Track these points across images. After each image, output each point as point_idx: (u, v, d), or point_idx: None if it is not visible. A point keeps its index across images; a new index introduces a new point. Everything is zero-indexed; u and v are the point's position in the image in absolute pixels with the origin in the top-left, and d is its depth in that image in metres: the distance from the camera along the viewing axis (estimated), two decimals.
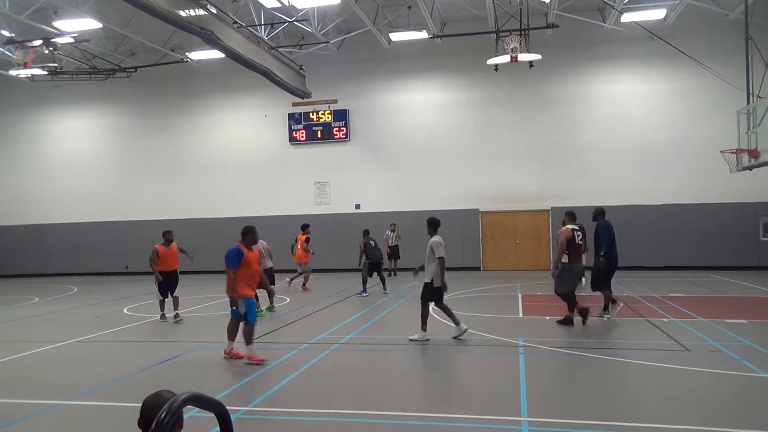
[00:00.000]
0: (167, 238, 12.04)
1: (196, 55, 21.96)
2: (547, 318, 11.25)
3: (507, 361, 8.14)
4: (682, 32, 19.33)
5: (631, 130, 20.92)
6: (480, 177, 21.99)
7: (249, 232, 8.43)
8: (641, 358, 7.88)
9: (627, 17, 18.65)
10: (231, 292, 8.10)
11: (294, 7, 18.06)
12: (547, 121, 21.64)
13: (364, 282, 15.42)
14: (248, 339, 8.10)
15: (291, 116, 23.68)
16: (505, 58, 17.21)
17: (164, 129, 25.10)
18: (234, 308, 8.14)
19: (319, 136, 23.55)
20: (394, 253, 20.21)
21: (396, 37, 20.72)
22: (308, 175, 23.64)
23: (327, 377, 7.56)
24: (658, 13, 18.85)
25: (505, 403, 6.24)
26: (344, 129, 23.27)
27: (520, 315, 11.96)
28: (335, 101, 23.12)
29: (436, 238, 9.25)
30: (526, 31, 17.78)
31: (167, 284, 11.90)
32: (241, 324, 8.18)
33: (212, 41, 14.03)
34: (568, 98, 21.51)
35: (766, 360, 7.59)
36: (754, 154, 14.47)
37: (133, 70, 22.94)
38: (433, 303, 9.51)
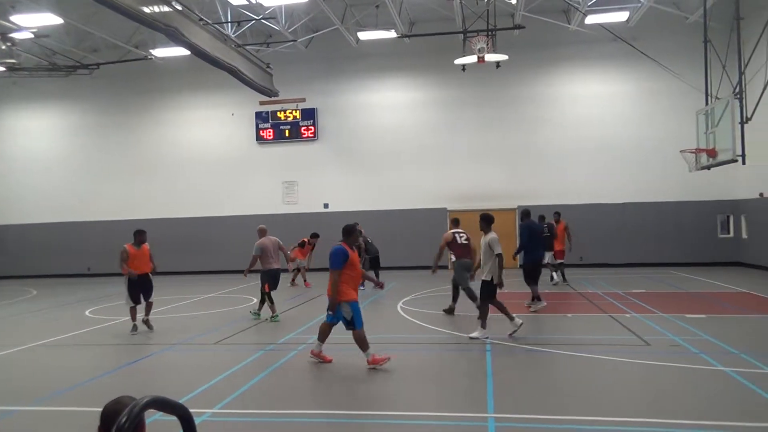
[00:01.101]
0: (138, 238, 10.91)
1: (160, 52, 21.56)
2: (513, 315, 11.38)
3: (474, 358, 8.22)
4: (644, 34, 19.77)
5: (596, 130, 21.31)
6: (448, 176, 22.13)
7: (352, 232, 7.94)
8: (604, 353, 8.06)
9: (591, 19, 18.98)
10: (335, 295, 7.63)
11: (261, 4, 17.89)
12: (513, 120, 21.90)
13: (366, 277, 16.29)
14: (363, 345, 7.69)
15: (258, 115, 23.46)
16: (472, 59, 17.35)
17: (128, 127, 24.60)
18: (330, 312, 7.75)
19: (287, 135, 23.38)
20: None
21: (364, 36, 20.70)
22: (276, 175, 23.45)
23: (295, 378, 7.53)
24: (620, 16, 19.25)
25: (472, 400, 6.31)
26: (312, 128, 23.16)
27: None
28: (303, 100, 22.98)
29: (492, 235, 9.33)
30: (493, 32, 17.96)
31: (139, 289, 10.77)
32: (352, 332, 7.76)
33: (177, 38, 13.78)
34: (535, 98, 21.81)
35: (723, 353, 7.84)
36: (712, 153, 14.88)
37: (95, 66, 22.42)
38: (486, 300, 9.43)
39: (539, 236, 12.47)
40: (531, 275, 12.28)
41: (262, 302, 11.96)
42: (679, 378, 6.99)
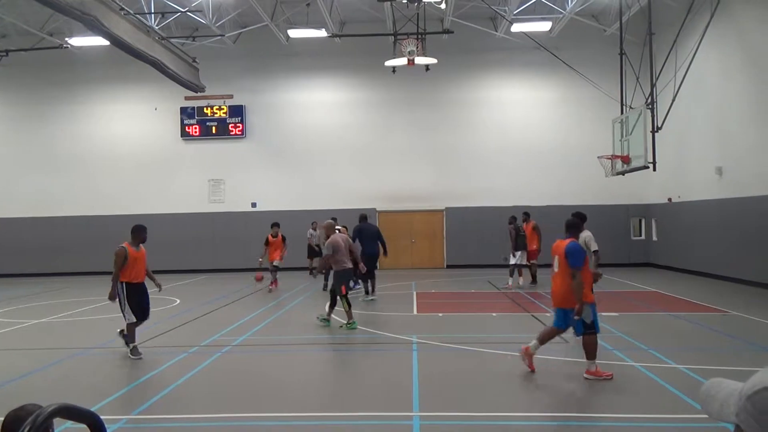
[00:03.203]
0: (139, 236, 8.67)
1: (77, 41, 20.44)
2: (440, 315, 11.58)
3: (401, 357, 8.29)
4: (565, 44, 20.57)
5: (519, 134, 22.02)
6: (377, 177, 22.24)
7: (580, 222, 7.38)
8: None
9: (516, 27, 19.61)
10: (585, 298, 6.75)
11: None
12: (441, 123, 22.28)
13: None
14: (592, 353, 6.84)
15: (183, 110, 22.72)
16: (402, 61, 17.52)
17: (41, 119, 23.18)
18: (577, 317, 6.70)
19: (214, 132, 22.77)
20: (317, 252, 19.22)
21: (294, 33, 20.46)
22: (201, 172, 22.79)
23: (217, 381, 7.33)
24: (544, 26, 20.00)
25: (397, 398, 6.35)
26: (240, 125, 22.67)
27: (415, 312, 12.22)
28: (231, 97, 22.47)
29: (587, 233, 9.33)
30: (423, 36, 18.21)
31: (138, 301, 8.52)
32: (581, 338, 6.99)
33: (96, 28, 13.12)
34: (462, 102, 22.27)
35: (634, 349, 8.28)
36: (626, 160, 15.70)
37: (4, 54, 20.96)
38: None
39: (371, 235, 14.05)
40: (369, 270, 13.33)
41: (332, 306, 10.48)
42: None
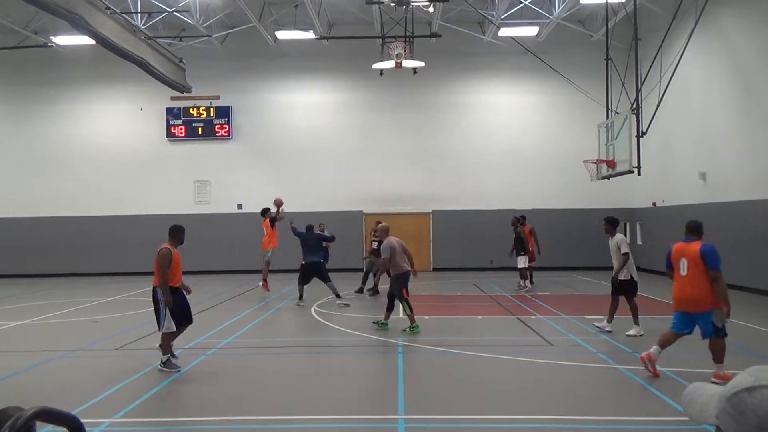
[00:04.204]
0: (178, 237, 8.09)
1: (62, 40, 20.22)
2: (426, 317, 11.58)
3: (386, 360, 8.29)
4: (552, 49, 20.69)
5: (506, 138, 22.12)
6: (364, 179, 22.23)
7: (701, 225, 6.94)
8: (510, 354, 8.35)
9: (504, 32, 19.71)
10: (718, 302, 6.61)
11: None
12: (429, 126, 22.33)
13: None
14: (721, 356, 6.65)
15: (169, 111, 22.55)
16: (389, 64, 17.54)
17: (23, 118, 22.90)
18: (719, 322, 6.61)
19: (200, 132, 22.62)
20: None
21: (282, 35, 20.41)
22: (187, 173, 22.63)
23: (201, 384, 7.28)
24: (531, 30, 20.13)
25: (383, 401, 6.35)
26: (227, 126, 22.55)
27: (401, 315, 12.20)
28: (217, 97, 22.36)
29: (620, 236, 9.71)
30: (411, 39, 18.25)
31: (179, 308, 7.87)
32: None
33: (81, 26, 12.98)
34: (449, 105, 22.34)
35: (618, 352, 8.35)
36: (611, 164, 15.83)
37: None
38: (622, 296, 9.83)
39: (311, 244, 13.52)
40: (304, 276, 13.33)
41: (389, 310, 10.27)
42: (578, 376, 7.36)
